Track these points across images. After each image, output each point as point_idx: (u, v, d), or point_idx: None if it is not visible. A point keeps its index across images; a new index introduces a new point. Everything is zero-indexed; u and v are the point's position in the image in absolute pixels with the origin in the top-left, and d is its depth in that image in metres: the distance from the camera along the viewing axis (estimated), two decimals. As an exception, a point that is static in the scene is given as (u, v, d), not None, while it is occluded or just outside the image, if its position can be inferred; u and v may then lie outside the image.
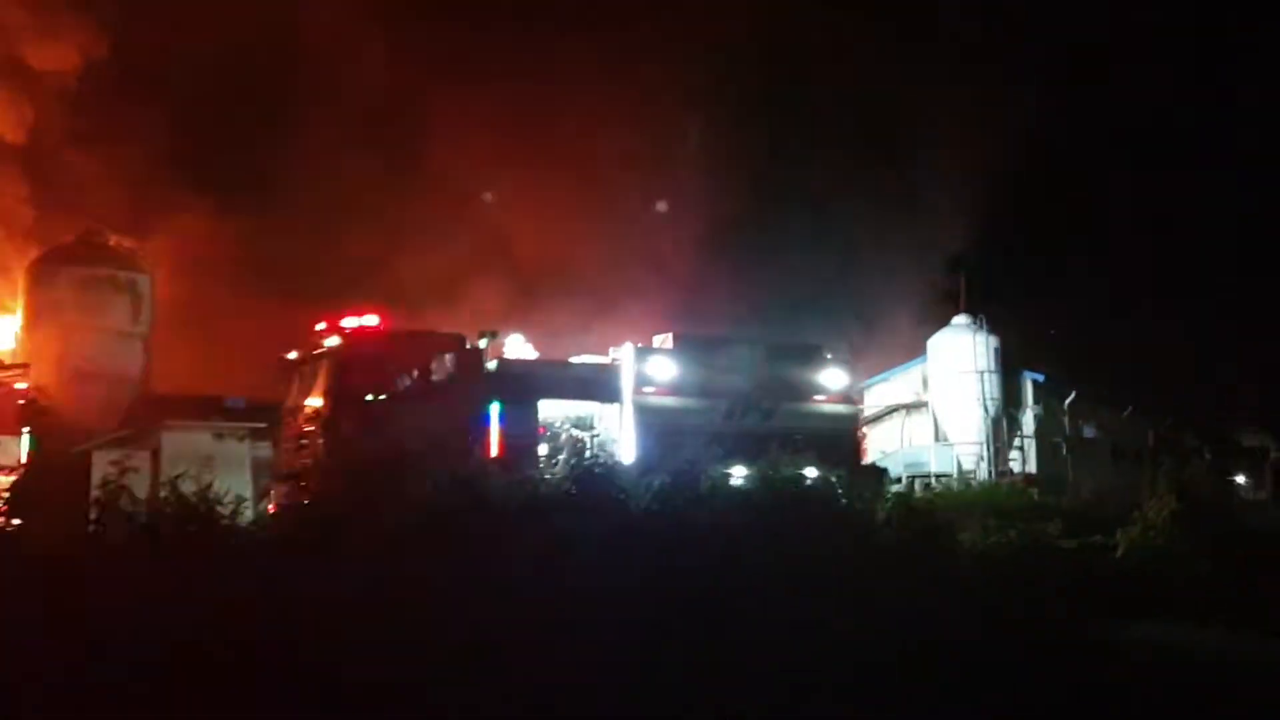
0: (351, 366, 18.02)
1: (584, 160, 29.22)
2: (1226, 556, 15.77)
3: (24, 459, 19.62)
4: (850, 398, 21.72)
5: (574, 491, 13.22)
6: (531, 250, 27.16)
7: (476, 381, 18.62)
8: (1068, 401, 34.13)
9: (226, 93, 26.44)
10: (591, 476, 14.12)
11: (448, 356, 18.64)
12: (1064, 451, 32.61)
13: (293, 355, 19.11)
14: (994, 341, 33.02)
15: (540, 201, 27.55)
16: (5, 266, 23.49)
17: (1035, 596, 13.56)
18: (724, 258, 34.45)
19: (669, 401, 19.83)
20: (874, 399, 36.21)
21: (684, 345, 20.46)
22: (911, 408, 34.22)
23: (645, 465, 17.71)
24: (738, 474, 18.96)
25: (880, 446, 34.63)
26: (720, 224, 33.78)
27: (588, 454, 18.86)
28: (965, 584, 13.70)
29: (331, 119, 26.58)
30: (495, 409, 18.52)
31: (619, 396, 19.63)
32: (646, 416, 19.54)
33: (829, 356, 21.71)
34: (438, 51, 28.02)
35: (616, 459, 18.75)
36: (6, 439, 19.54)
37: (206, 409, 21.59)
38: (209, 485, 12.33)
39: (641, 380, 19.80)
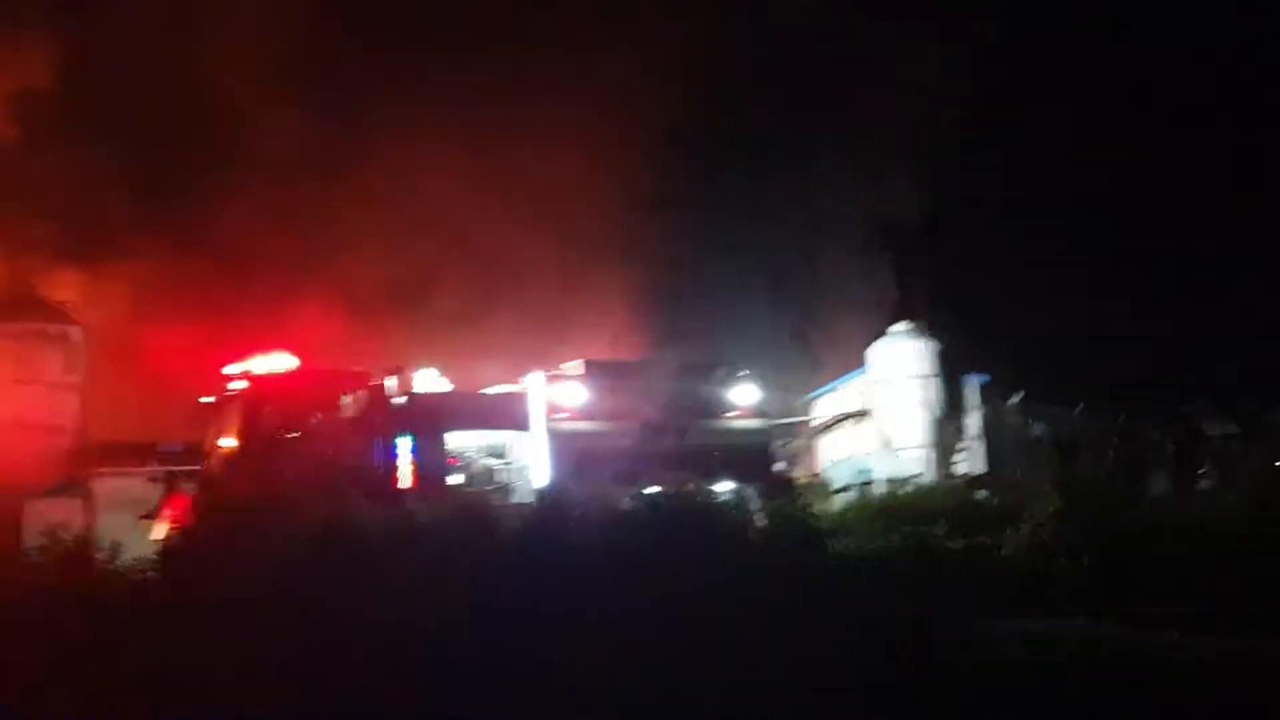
0: (258, 408, 18.54)
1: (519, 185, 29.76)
2: (1107, 552, 16.29)
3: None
4: (763, 412, 22.03)
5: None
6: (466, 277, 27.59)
7: (384, 416, 19.07)
8: (1011, 402, 34.56)
9: (156, 132, 26.91)
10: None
11: (355, 394, 19.12)
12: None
13: (207, 399, 19.64)
14: (934, 346, 33.53)
15: (473, 229, 27.98)
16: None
17: (907, 596, 13.99)
18: (664, 279, 34.86)
19: (580, 426, 20.30)
20: (823, 409, 36.82)
21: (592, 371, 20.93)
22: (859, 416, 34.71)
23: (557, 489, 18.28)
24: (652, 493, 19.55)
25: (830, 455, 35.21)
26: (658, 245, 34.20)
27: (496, 481, 19.62)
28: (836, 586, 14.15)
29: (263, 156, 27.04)
30: (404, 442, 19.00)
31: (528, 424, 20.10)
32: (558, 442, 20.02)
33: (740, 373, 22.14)
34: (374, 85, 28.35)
35: (527, 485, 19.44)
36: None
37: (142, 454, 22.11)
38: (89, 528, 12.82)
39: (553, 407, 20.27)
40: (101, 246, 25.02)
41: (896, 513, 25.35)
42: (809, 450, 35.49)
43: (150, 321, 24.69)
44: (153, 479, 21.03)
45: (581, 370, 20.91)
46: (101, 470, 21.25)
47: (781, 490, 21.64)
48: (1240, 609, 14.12)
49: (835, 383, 36.00)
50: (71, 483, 21.73)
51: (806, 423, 36.27)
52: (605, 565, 13.25)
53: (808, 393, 37.06)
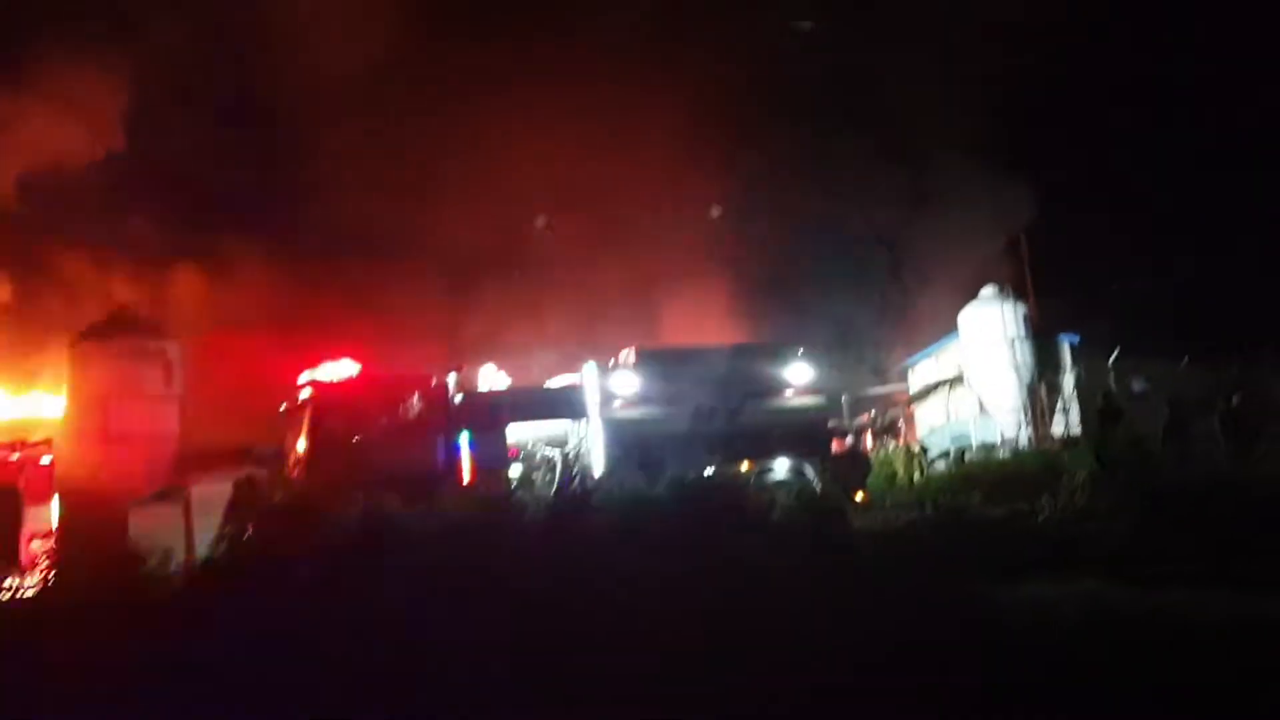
0: (323, 413, 19.64)
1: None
2: (1144, 513, 16.23)
3: (55, 524, 21.63)
4: (819, 390, 22.35)
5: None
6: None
7: (444, 415, 19.99)
8: (1112, 359, 34.12)
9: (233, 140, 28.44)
10: None
11: (416, 395, 20.07)
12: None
13: (284, 406, 20.85)
14: (1022, 309, 33.34)
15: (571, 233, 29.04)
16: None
17: (924, 567, 14.27)
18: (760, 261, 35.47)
19: (634, 413, 20.90)
20: (918, 377, 36.85)
21: (644, 358, 21.53)
22: (954, 382, 34.67)
23: (616, 474, 19.00)
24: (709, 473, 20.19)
25: (929, 422, 35.26)
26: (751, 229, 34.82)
27: (558, 470, 20.42)
28: (857, 561, 14.51)
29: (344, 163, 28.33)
30: (465, 438, 19.90)
31: (585, 413, 20.82)
32: (614, 429, 20.68)
33: (796, 352, 22.46)
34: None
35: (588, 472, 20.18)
36: (40, 508, 21.58)
37: (238, 459, 23.47)
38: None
39: (607, 396, 20.94)
40: (193, 261, 26.50)
41: (979, 479, 25.56)
42: (909, 417, 35.73)
43: (243, 332, 26.05)
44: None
45: (634, 358, 21.47)
46: (198, 476, 22.56)
47: (844, 464, 22.03)
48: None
49: (932, 348, 36.09)
50: (170, 489, 23.20)
51: (901, 391, 36.56)
52: (622, 552, 13.82)
53: (904, 360, 37.29)
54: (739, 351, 22.55)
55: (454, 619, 12.00)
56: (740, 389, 21.55)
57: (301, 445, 19.86)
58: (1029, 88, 37.14)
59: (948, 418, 34.50)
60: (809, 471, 21.33)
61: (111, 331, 25.53)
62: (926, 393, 35.53)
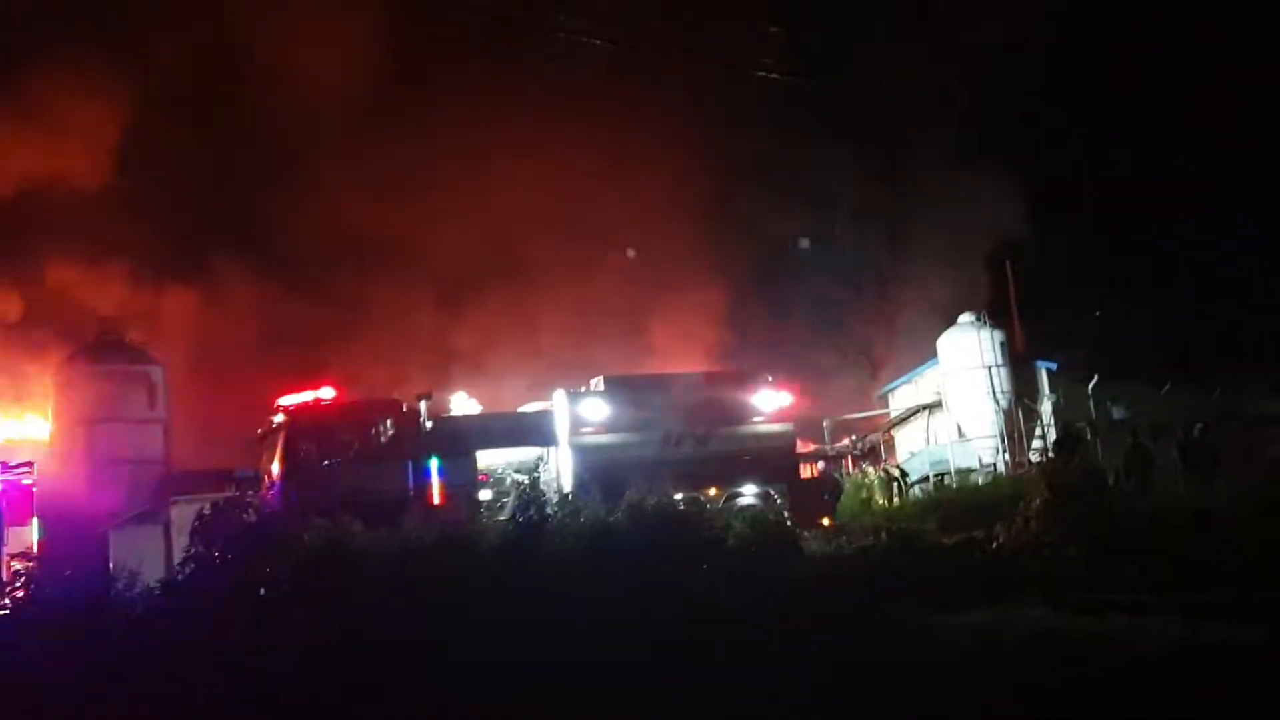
0: (298, 437, 20.09)
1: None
2: (1095, 542, 16.57)
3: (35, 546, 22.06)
4: (786, 417, 22.76)
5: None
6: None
7: (415, 440, 20.43)
8: (1091, 385, 34.51)
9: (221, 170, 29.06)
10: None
11: (387, 420, 20.52)
12: (1087, 437, 32.97)
13: (260, 430, 21.31)
14: (999, 335, 33.77)
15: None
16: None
17: (871, 594, 14.64)
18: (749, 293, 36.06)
19: (604, 439, 21.32)
20: (898, 402, 37.29)
21: (612, 385, 21.97)
22: (934, 407, 35.11)
23: (574, 500, 19.40)
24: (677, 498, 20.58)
25: (909, 446, 35.68)
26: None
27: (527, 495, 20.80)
28: (804, 587, 14.90)
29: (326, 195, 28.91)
30: (434, 463, 20.33)
31: (554, 439, 21.25)
32: (583, 455, 21.10)
33: (764, 380, 22.89)
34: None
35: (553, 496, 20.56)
36: (21, 529, 22.02)
37: (219, 481, 23.91)
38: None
39: (576, 422, 21.37)
40: (179, 289, 27.05)
41: (951, 504, 25.95)
42: (889, 442, 36.14)
43: (225, 358, 26.58)
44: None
45: (602, 386, 21.91)
46: (178, 498, 23.00)
47: (810, 490, 22.44)
48: (1218, 597, 14.29)
49: (912, 374, 36.54)
50: (151, 511, 23.68)
51: (881, 416, 36.98)
52: (576, 576, 14.25)
53: (885, 386, 37.72)
54: (707, 379, 23.02)
55: (396, 642, 12.49)
56: (708, 416, 21.96)
57: (276, 468, 20.26)
58: (1012, 109, 37.71)
59: (928, 442, 34.95)
60: (776, 496, 21.78)
61: (97, 355, 26.08)
62: (906, 418, 35.98)
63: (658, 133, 30.94)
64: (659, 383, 22.79)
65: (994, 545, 17.52)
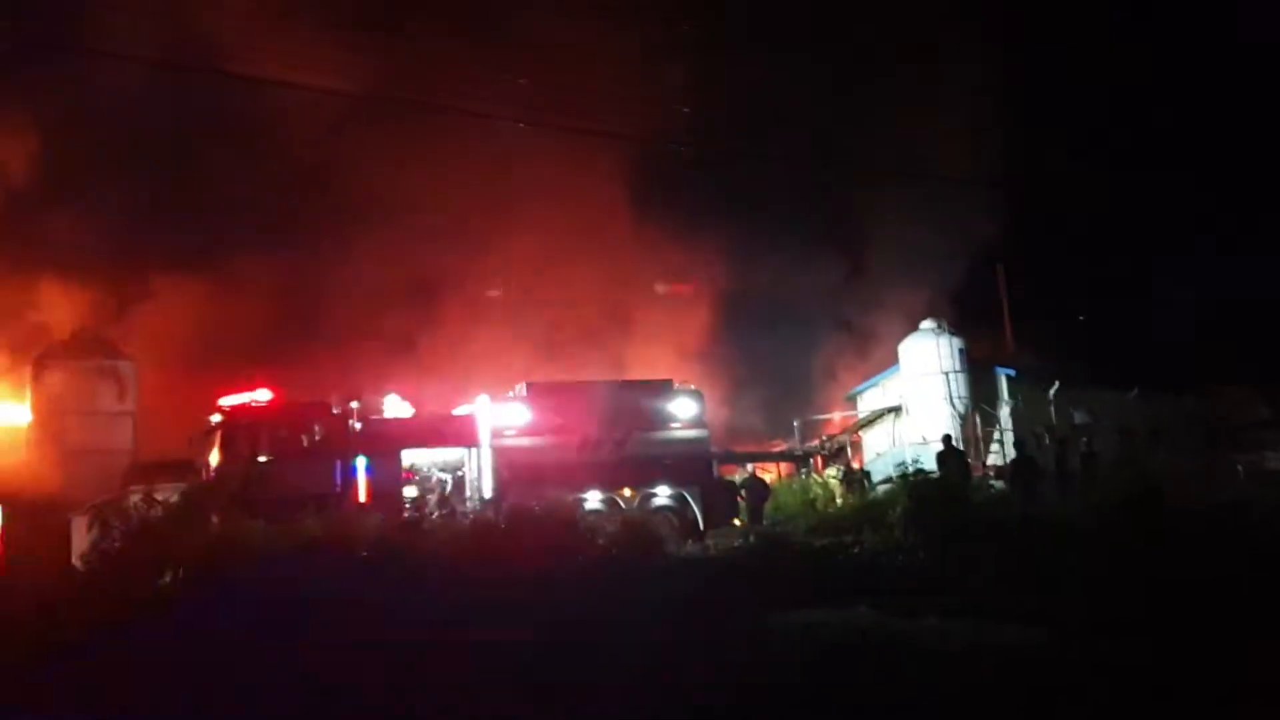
0: (235, 435, 21.51)
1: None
2: (947, 547, 17.58)
3: (-1, 530, 23.63)
4: (701, 424, 23.83)
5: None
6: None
7: (344, 440, 21.77)
8: (1052, 391, 35.33)
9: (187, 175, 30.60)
10: None
11: (318, 421, 21.87)
12: (1045, 441, 33.76)
13: (202, 427, 22.75)
14: (958, 342, 34.67)
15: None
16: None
17: (721, 593, 15.70)
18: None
19: (524, 442, 22.55)
20: (866, 404, 38.24)
21: (535, 392, 23.21)
22: (898, 410, 36.05)
23: (501, 500, 20.73)
24: (592, 499, 21.92)
25: (875, 448, 36.63)
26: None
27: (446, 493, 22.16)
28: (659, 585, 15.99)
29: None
30: (362, 462, 21.68)
31: (477, 441, 22.51)
32: (504, 457, 22.34)
33: (678, 388, 24.01)
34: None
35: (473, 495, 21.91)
36: (-19, 514, 23.62)
37: (181, 471, 25.39)
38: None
39: (499, 426, 22.61)
40: (148, 288, 28.60)
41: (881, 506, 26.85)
42: (855, 443, 37.07)
43: (190, 356, 28.08)
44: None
45: (525, 392, 23.14)
46: (136, 487, 24.43)
47: (721, 492, 23.58)
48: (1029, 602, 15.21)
49: (879, 377, 37.47)
50: (113, 499, 25.16)
51: (849, 418, 37.91)
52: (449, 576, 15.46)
53: (853, 388, 38.63)
54: (626, 387, 24.19)
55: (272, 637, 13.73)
56: (626, 422, 23.10)
57: (214, 463, 21.69)
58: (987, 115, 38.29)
59: (892, 444, 35.88)
60: (689, 498, 22.94)
61: (71, 350, 27.70)
62: (872, 420, 36.93)
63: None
64: (580, 390, 23.96)
65: (855, 550, 18.64)
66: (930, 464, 32.80)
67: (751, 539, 18.79)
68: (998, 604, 14.81)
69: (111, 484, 26.05)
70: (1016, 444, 25.61)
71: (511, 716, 11.12)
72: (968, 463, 22.74)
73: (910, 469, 28.77)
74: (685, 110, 32.70)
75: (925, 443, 34.06)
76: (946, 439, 23.34)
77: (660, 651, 12.84)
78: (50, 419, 27.18)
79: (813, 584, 16.16)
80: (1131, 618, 13.63)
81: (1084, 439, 26.61)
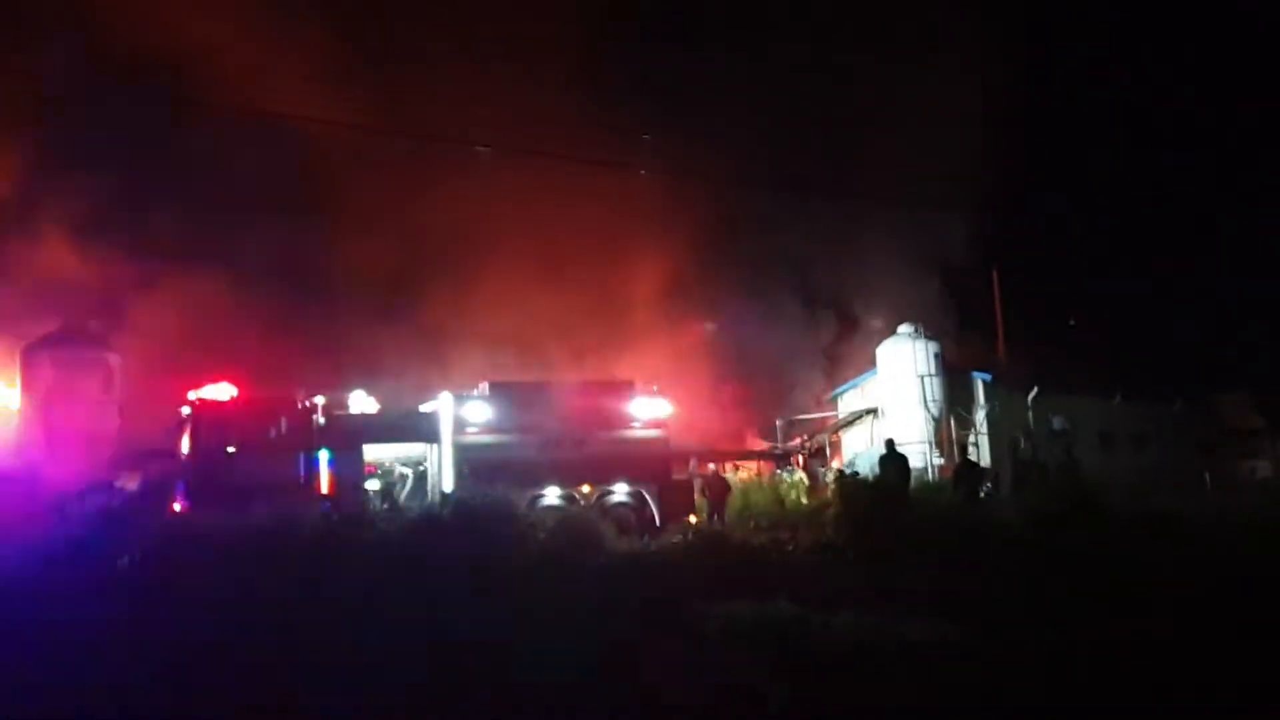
0: (203, 427, 22.29)
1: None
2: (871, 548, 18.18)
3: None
4: (660, 424, 24.46)
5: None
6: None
7: (308, 434, 22.51)
8: (1030, 396, 35.81)
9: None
10: None
11: (283, 415, 22.61)
12: (1021, 445, 34.22)
13: (173, 419, 23.56)
14: (934, 347, 35.23)
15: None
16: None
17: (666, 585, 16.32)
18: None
19: (485, 439, 23.24)
20: (846, 405, 38.81)
21: (496, 390, 23.90)
22: (877, 412, 36.61)
23: (461, 495, 21.39)
24: (551, 496, 22.63)
25: (854, 448, 37.19)
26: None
27: (406, 487, 22.90)
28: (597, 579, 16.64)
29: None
30: (324, 455, 22.42)
31: (438, 437, 23.22)
32: (464, 453, 23.03)
33: (639, 389, 24.64)
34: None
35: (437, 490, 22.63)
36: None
37: (166, 459, 26.24)
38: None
39: (460, 423, 23.31)
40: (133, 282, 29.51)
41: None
42: (835, 443, 37.64)
43: (172, 348, 28.94)
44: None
45: (487, 390, 23.84)
46: (125, 474, 25.32)
47: (677, 490, 24.24)
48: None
49: (858, 379, 38.04)
50: (101, 483, 26.07)
51: (829, 418, 38.49)
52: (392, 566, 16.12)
53: (831, 390, 39.21)
54: (587, 387, 24.84)
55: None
56: (586, 420, 23.77)
57: (183, 455, 22.49)
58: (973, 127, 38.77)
59: (870, 444, 36.41)
60: (646, 495, 23.60)
61: (59, 340, 28.63)
62: (851, 421, 37.49)
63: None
64: (541, 389, 24.64)
65: (790, 549, 19.25)
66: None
67: (690, 535, 19.29)
68: (915, 601, 15.53)
69: (98, 469, 27.08)
70: (960, 450, 26.11)
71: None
72: (908, 467, 23.17)
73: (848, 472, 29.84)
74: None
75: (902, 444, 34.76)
76: (889, 443, 23.82)
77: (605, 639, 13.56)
78: (37, 406, 28.09)
79: (745, 581, 16.79)
80: (1043, 616, 14.45)
81: (1067, 445, 27.01)
